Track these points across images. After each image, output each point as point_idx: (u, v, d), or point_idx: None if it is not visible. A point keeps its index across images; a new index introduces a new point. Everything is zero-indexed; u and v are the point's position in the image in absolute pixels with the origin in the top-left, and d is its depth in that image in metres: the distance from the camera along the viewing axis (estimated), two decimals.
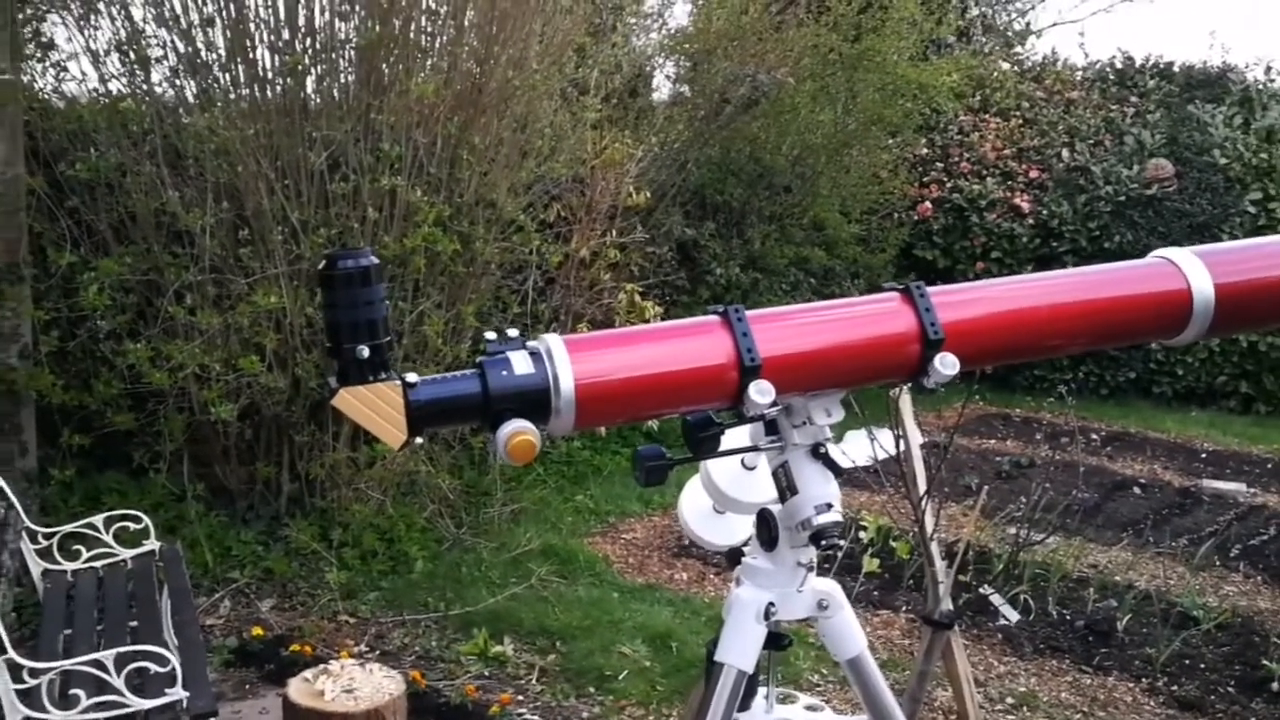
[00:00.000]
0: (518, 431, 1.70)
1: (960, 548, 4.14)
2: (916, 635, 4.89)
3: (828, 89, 9.77)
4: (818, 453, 1.95)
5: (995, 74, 12.71)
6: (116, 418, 5.39)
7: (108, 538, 4.36)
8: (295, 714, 3.50)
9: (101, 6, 5.42)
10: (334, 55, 5.67)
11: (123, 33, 5.46)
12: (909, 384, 2.02)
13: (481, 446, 6.65)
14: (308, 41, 5.54)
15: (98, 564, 4.29)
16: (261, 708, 4.36)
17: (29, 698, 3.08)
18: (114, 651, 3.17)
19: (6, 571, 3.99)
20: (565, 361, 1.75)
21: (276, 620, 5.11)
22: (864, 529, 6.05)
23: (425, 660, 4.80)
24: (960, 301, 2.00)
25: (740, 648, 2.00)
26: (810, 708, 2.32)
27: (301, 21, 5.48)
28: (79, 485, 5.55)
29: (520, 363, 1.74)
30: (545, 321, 7.18)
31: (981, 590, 5.51)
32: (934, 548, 3.54)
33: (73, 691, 3.05)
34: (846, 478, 2.00)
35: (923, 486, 3.56)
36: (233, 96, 5.56)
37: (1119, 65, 12.79)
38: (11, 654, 3.10)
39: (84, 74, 5.66)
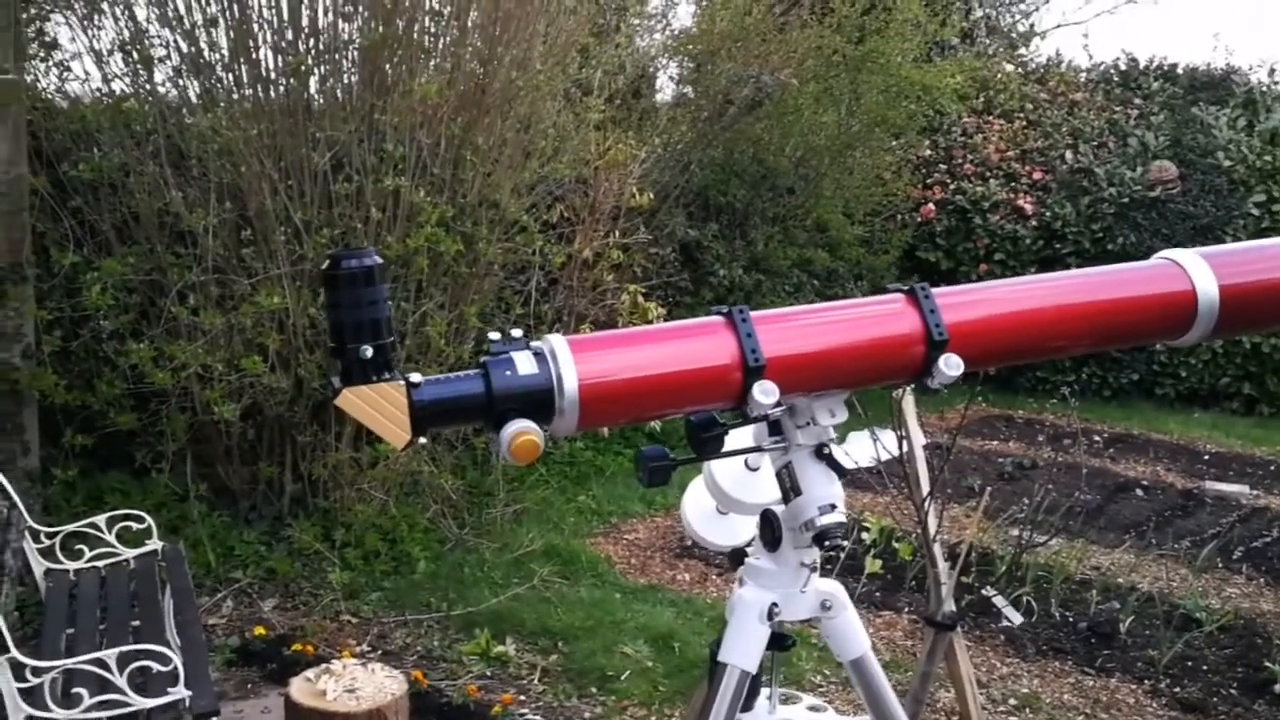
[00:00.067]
0: (521, 432, 1.70)
1: (963, 549, 4.13)
2: (919, 636, 4.88)
3: (831, 90, 9.76)
4: (821, 453, 1.95)
5: (999, 76, 12.71)
6: (119, 418, 5.39)
7: (110, 537, 4.36)
8: (297, 713, 3.50)
9: (105, 6, 5.43)
10: (337, 56, 5.67)
11: (126, 33, 5.46)
12: (913, 385, 2.02)
13: (484, 447, 6.65)
14: (311, 42, 5.54)
15: (100, 563, 4.29)
16: (263, 707, 4.36)
17: (31, 696, 3.08)
18: (116, 650, 3.17)
19: (9, 571, 3.99)
20: (569, 362, 1.75)
21: (279, 620, 5.11)
22: (867, 530, 6.04)
23: (427, 660, 4.80)
24: (965, 303, 1.99)
25: (743, 648, 2.00)
26: (813, 708, 2.32)
27: (305, 22, 5.48)
28: (82, 485, 5.56)
29: (524, 363, 1.74)
30: (548, 322, 7.18)
31: (984, 592, 5.51)
32: (937, 549, 3.54)
33: (75, 690, 3.06)
34: (849, 479, 2.00)
35: (926, 488, 3.56)
36: (236, 97, 5.56)
37: (1123, 67, 12.79)
38: (14, 653, 3.10)
39: (87, 74, 5.68)
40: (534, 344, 1.78)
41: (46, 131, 5.47)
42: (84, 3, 5.47)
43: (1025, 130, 11.70)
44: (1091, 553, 6.27)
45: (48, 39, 5.62)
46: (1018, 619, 5.34)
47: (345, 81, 5.75)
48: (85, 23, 5.47)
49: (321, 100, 5.67)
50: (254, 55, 5.47)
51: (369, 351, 1.69)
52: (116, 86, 5.63)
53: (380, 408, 1.70)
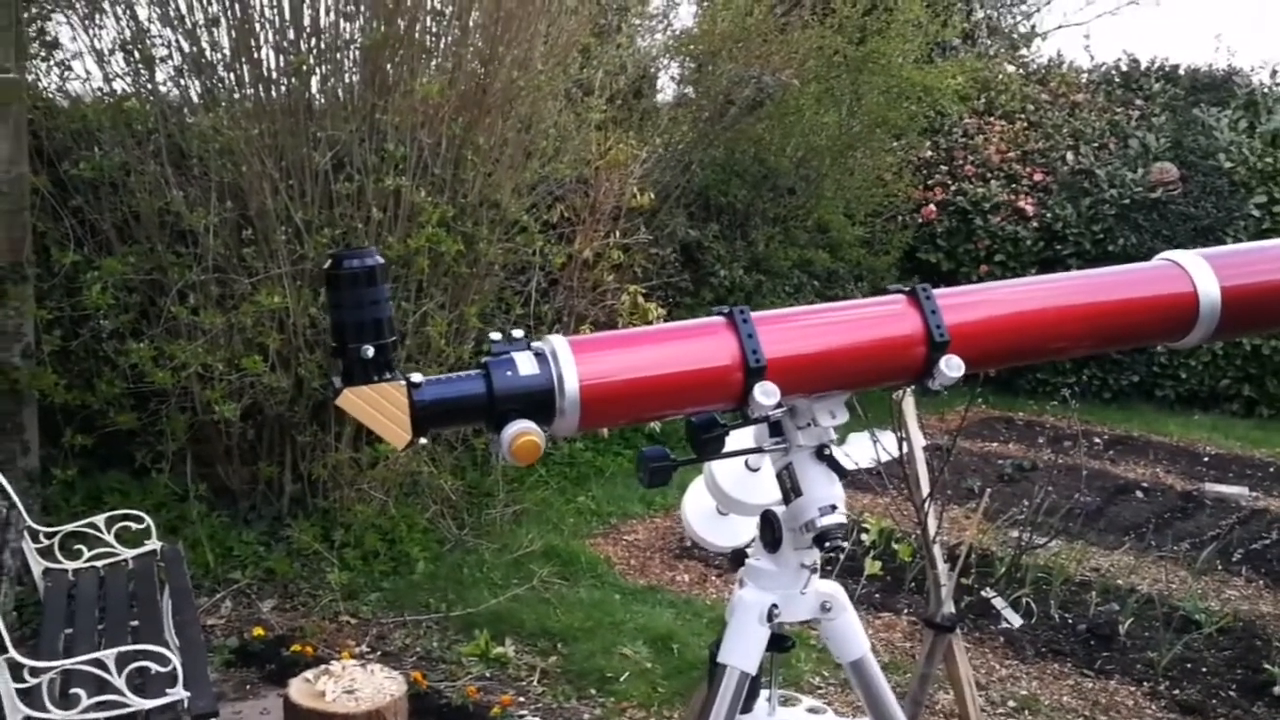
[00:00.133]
0: (522, 432, 1.70)
1: (962, 550, 4.13)
2: (918, 638, 4.88)
3: (832, 91, 9.76)
4: (822, 454, 1.95)
5: (1000, 77, 12.70)
6: (119, 417, 5.39)
7: (109, 537, 4.35)
8: (296, 714, 3.50)
9: (106, 6, 5.42)
10: (339, 55, 5.67)
11: (127, 32, 5.46)
12: (913, 386, 2.01)
13: (484, 447, 6.65)
14: (313, 41, 5.54)
15: (99, 563, 4.29)
16: (262, 708, 4.35)
17: (29, 697, 3.08)
18: (115, 651, 3.16)
19: (8, 570, 3.98)
20: (570, 362, 1.75)
21: (278, 620, 5.11)
22: (866, 531, 6.04)
23: (426, 661, 4.80)
24: (966, 304, 1.99)
25: (743, 649, 1.99)
26: (812, 710, 2.32)
27: (306, 21, 5.48)
28: (81, 485, 5.55)
29: (525, 363, 1.74)
30: (548, 323, 7.18)
31: (984, 593, 5.51)
32: (936, 550, 3.54)
33: (73, 691, 3.05)
34: (849, 480, 1.99)
35: (925, 489, 3.56)
36: (237, 96, 5.56)
37: (1124, 68, 12.79)
38: (12, 653, 3.10)
39: (88, 73, 5.68)
40: (535, 344, 1.78)
41: (47, 131, 5.47)
42: (85, 2, 5.47)
43: (1026, 131, 11.70)
44: (1091, 554, 6.27)
45: (49, 38, 5.62)
46: (1017, 621, 5.34)
47: (346, 81, 5.74)
48: (86, 22, 5.47)
49: (323, 100, 5.67)
50: (255, 55, 5.47)
51: (370, 351, 1.69)
52: (118, 86, 5.63)
53: (381, 408, 1.70)
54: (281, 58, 5.50)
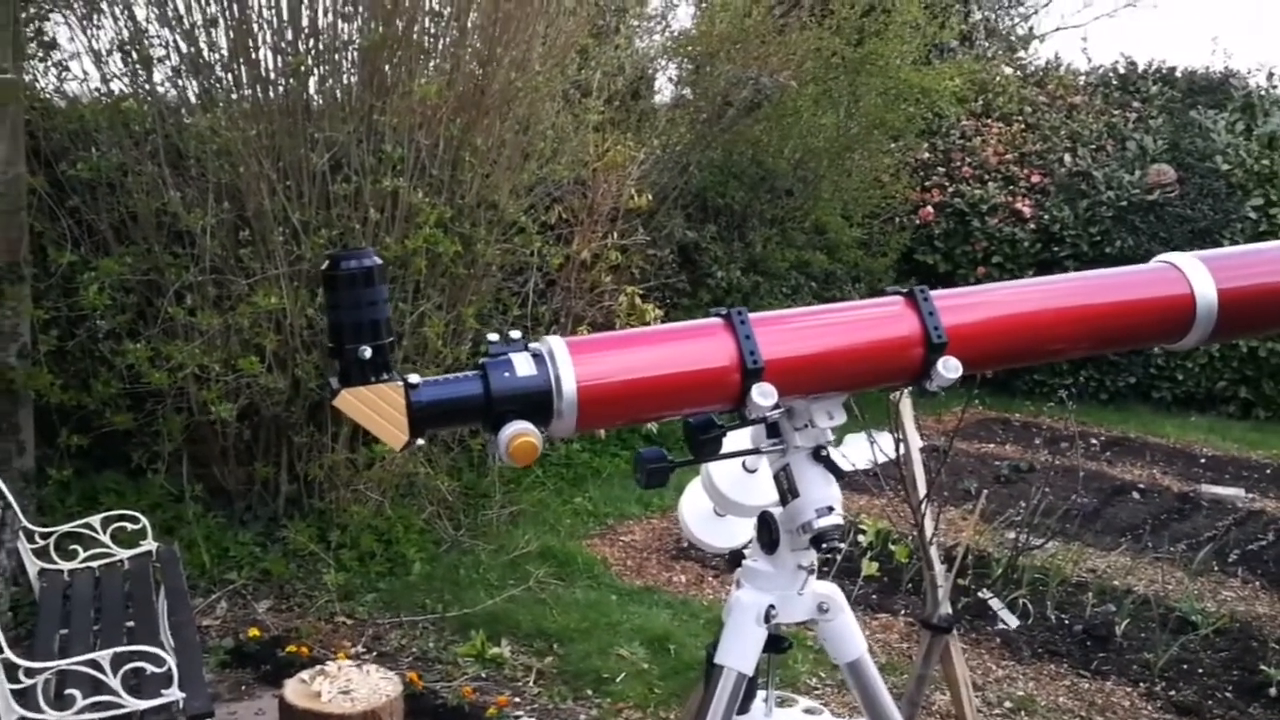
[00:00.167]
0: (519, 433, 1.69)
1: (959, 552, 4.13)
2: (915, 639, 4.89)
3: (830, 93, 9.77)
4: (819, 455, 1.95)
5: (998, 78, 12.71)
6: (115, 418, 5.39)
7: (105, 538, 4.35)
8: (292, 715, 3.50)
9: (104, 6, 5.42)
10: (337, 56, 5.67)
11: (125, 32, 5.46)
12: (911, 387, 2.01)
13: (480, 448, 6.64)
14: (310, 42, 5.54)
15: (94, 564, 4.29)
16: (258, 709, 4.35)
17: (24, 698, 3.08)
18: (110, 652, 3.16)
19: (3, 571, 3.99)
20: (567, 363, 1.74)
21: (273, 621, 5.11)
22: (863, 532, 6.04)
23: (422, 662, 4.80)
24: (963, 305, 1.99)
25: (740, 650, 2.00)
26: (809, 711, 2.32)
27: (305, 22, 5.48)
28: (76, 485, 5.55)
29: (522, 364, 1.74)
30: (545, 323, 7.17)
31: (980, 594, 5.51)
32: (933, 551, 3.54)
33: (68, 692, 3.05)
34: (846, 481, 1.99)
35: (922, 490, 3.56)
36: (235, 97, 5.56)
37: (1121, 70, 12.81)
38: (7, 654, 3.10)
39: (86, 74, 5.67)
40: (532, 345, 1.78)
41: (45, 131, 5.46)
42: (83, 2, 5.47)
43: (1024, 133, 11.70)
44: (1088, 555, 6.27)
45: (47, 39, 5.62)
46: (1014, 622, 5.34)
47: (344, 82, 5.74)
48: (84, 22, 5.46)
49: (320, 101, 5.67)
50: (253, 55, 5.46)
51: (367, 352, 1.68)
52: (115, 86, 5.63)
53: (378, 409, 1.70)
54: (279, 58, 5.50)
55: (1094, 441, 9.10)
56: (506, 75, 5.87)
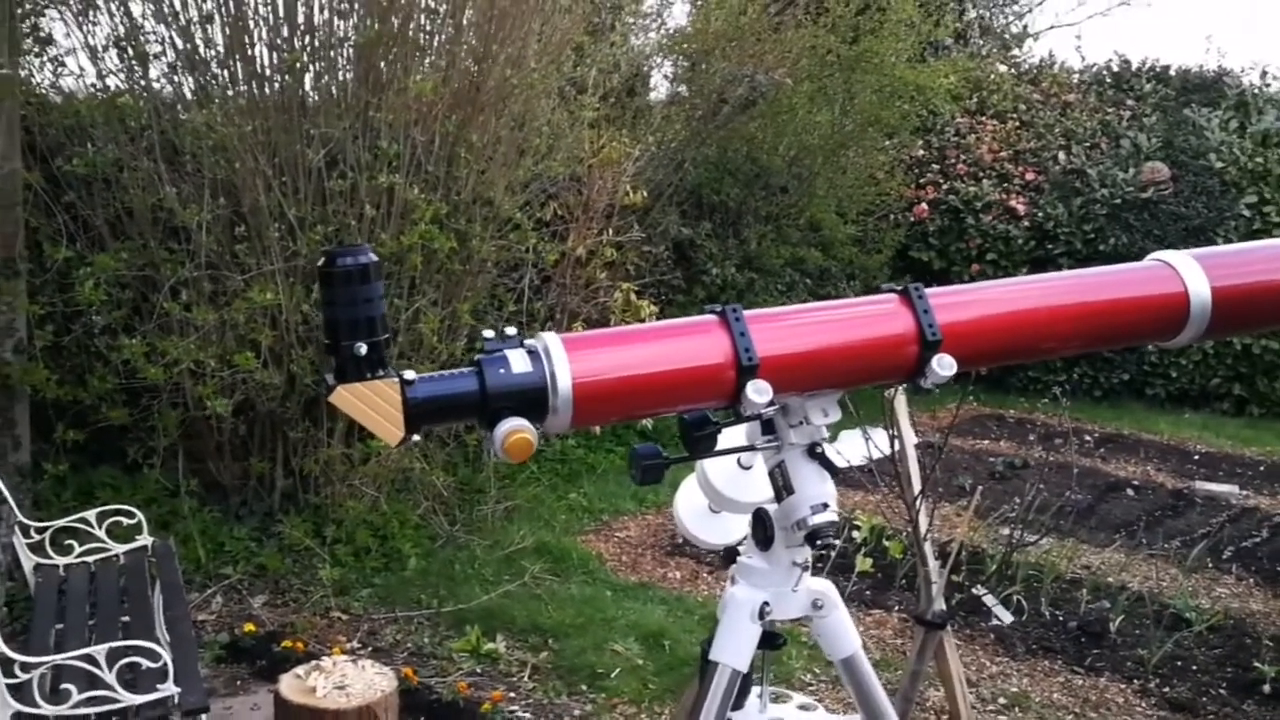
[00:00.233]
0: (515, 430, 1.70)
1: (953, 548, 4.14)
2: (909, 635, 4.90)
3: (825, 90, 9.77)
4: (814, 452, 1.95)
5: (992, 76, 12.73)
6: (111, 413, 5.38)
7: (100, 533, 4.36)
8: (287, 710, 3.50)
9: (100, 2, 5.41)
10: (333, 53, 5.67)
11: (121, 28, 5.45)
12: (906, 384, 2.02)
13: (476, 443, 6.65)
14: (306, 39, 5.54)
15: (90, 559, 4.29)
16: (253, 704, 4.36)
17: (20, 692, 3.08)
18: (106, 646, 3.16)
19: None
20: (563, 360, 1.75)
21: (269, 616, 5.11)
22: (858, 528, 6.05)
23: (417, 657, 4.80)
24: (958, 303, 2.00)
25: (735, 647, 2.00)
26: (803, 707, 2.33)
27: (300, 19, 5.48)
28: (72, 480, 5.55)
29: (518, 361, 1.74)
30: (541, 320, 7.18)
31: (974, 590, 5.53)
32: (927, 548, 3.55)
33: (64, 686, 3.05)
34: (841, 477, 2.00)
35: (917, 486, 3.57)
36: (231, 93, 5.56)
37: (1115, 68, 12.82)
38: (3, 648, 3.10)
39: (82, 69, 5.67)
40: (528, 342, 1.79)
41: (40, 127, 5.45)
42: None
43: (1018, 131, 11.72)
44: (1082, 552, 6.28)
45: (43, 34, 5.60)
46: (1008, 618, 5.35)
47: (340, 78, 5.74)
48: (80, 18, 5.46)
49: (316, 97, 5.67)
50: (249, 52, 5.46)
51: (363, 349, 1.69)
52: (111, 82, 5.62)
53: (374, 405, 1.70)
54: (275, 55, 5.50)
55: (1088, 438, 9.11)
56: (502, 72, 5.87)
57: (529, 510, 6.57)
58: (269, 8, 5.43)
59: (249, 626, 4.88)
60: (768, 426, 1.99)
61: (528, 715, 4.36)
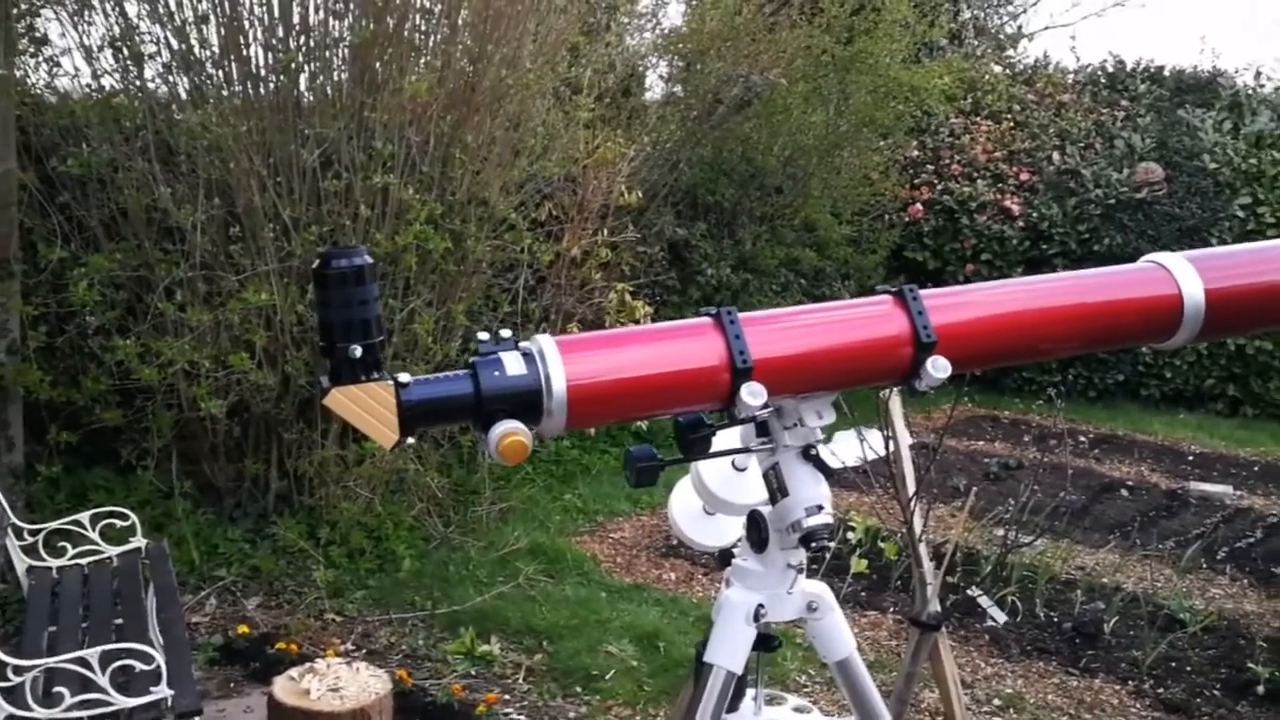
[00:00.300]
0: (509, 432, 1.70)
1: (948, 549, 4.14)
2: (904, 636, 4.89)
3: (820, 90, 9.78)
4: (808, 454, 1.95)
5: (987, 77, 12.75)
6: (104, 414, 5.38)
7: (94, 535, 4.34)
8: (280, 713, 3.49)
9: (95, 3, 5.40)
10: (328, 53, 5.66)
11: (116, 29, 5.44)
12: (900, 386, 2.02)
13: (470, 445, 6.65)
14: (302, 39, 5.53)
15: (83, 561, 4.28)
16: (246, 706, 4.35)
17: (12, 695, 3.07)
18: (99, 649, 3.15)
19: None
20: (557, 363, 1.75)
21: (262, 618, 5.10)
22: (852, 530, 6.05)
23: (412, 659, 4.79)
24: (952, 305, 2.00)
25: (729, 649, 2.00)
26: (798, 709, 2.32)
27: (296, 19, 5.48)
28: (65, 482, 5.54)
29: (512, 363, 1.74)
30: (536, 320, 7.18)
31: (969, 592, 5.53)
32: (922, 549, 3.55)
33: (56, 689, 3.04)
34: (835, 478, 2.00)
35: (911, 488, 3.57)
36: (226, 93, 5.55)
37: (1110, 69, 12.84)
38: None
39: (77, 70, 5.65)
40: (523, 344, 1.78)
41: (35, 127, 5.45)
42: None
43: (1012, 131, 11.73)
44: (1076, 553, 6.29)
45: (38, 35, 5.59)
46: (1002, 619, 5.36)
47: (335, 79, 5.74)
48: (76, 19, 5.45)
49: (311, 97, 5.67)
50: (244, 52, 5.46)
51: (358, 351, 1.68)
52: (106, 83, 5.61)
53: (368, 407, 1.70)
54: (270, 55, 5.49)
55: (1083, 439, 9.13)
56: (497, 72, 5.87)
57: (524, 512, 6.57)
58: (264, 8, 5.43)
59: (243, 629, 4.87)
60: (762, 429, 1.99)
61: (522, 717, 4.36)
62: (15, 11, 5.32)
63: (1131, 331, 2.15)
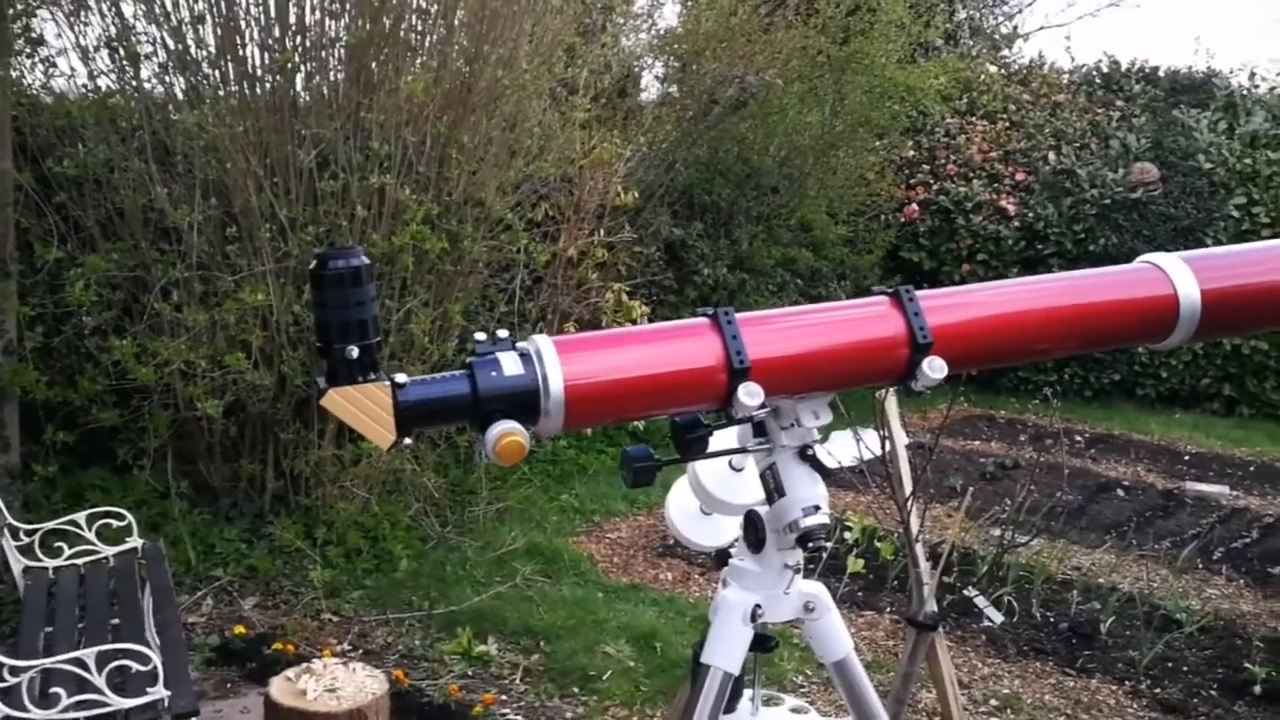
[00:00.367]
0: (507, 432, 1.70)
1: (945, 549, 4.15)
2: (901, 636, 4.90)
3: (816, 91, 9.79)
4: (805, 455, 1.95)
5: (982, 77, 12.76)
6: (101, 414, 5.37)
7: (90, 535, 4.34)
8: (277, 713, 3.49)
9: (91, 3, 5.40)
10: (324, 53, 5.66)
11: (113, 29, 5.44)
12: (897, 387, 2.02)
13: (467, 445, 6.65)
14: (298, 39, 5.53)
15: (80, 561, 4.27)
16: (243, 707, 4.34)
17: (9, 696, 3.06)
18: (95, 650, 3.15)
19: None
20: (554, 363, 1.75)
21: (259, 619, 5.10)
22: (849, 530, 6.05)
23: (409, 659, 4.79)
24: (948, 305, 2.00)
25: (726, 650, 2.00)
26: (795, 709, 2.32)
27: (292, 19, 5.47)
28: (62, 482, 5.54)
29: (509, 364, 1.74)
30: (532, 320, 7.18)
31: (966, 592, 5.53)
32: (919, 549, 3.55)
33: (53, 690, 3.04)
34: (832, 478, 2.00)
35: (908, 488, 3.57)
36: (222, 93, 5.55)
37: (1105, 69, 12.86)
38: None
39: (73, 70, 5.65)
40: (520, 345, 1.78)
41: (31, 127, 5.44)
42: None
43: (1008, 131, 11.74)
44: (1072, 553, 6.30)
45: (34, 35, 5.58)
46: (999, 619, 5.36)
47: (332, 79, 5.73)
48: (72, 19, 5.44)
49: (308, 97, 5.66)
50: (240, 52, 5.45)
51: (355, 352, 1.68)
52: (102, 83, 5.61)
53: (365, 408, 1.70)
54: (266, 55, 5.49)
55: (1079, 439, 9.14)
56: (493, 73, 5.87)
57: (520, 511, 6.57)
58: (260, 8, 5.43)
59: (239, 629, 4.87)
60: (759, 429, 1.99)
61: (519, 718, 4.36)
62: (11, 12, 5.31)
63: (1127, 332, 2.15)
